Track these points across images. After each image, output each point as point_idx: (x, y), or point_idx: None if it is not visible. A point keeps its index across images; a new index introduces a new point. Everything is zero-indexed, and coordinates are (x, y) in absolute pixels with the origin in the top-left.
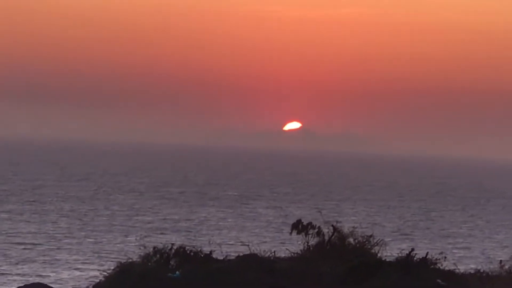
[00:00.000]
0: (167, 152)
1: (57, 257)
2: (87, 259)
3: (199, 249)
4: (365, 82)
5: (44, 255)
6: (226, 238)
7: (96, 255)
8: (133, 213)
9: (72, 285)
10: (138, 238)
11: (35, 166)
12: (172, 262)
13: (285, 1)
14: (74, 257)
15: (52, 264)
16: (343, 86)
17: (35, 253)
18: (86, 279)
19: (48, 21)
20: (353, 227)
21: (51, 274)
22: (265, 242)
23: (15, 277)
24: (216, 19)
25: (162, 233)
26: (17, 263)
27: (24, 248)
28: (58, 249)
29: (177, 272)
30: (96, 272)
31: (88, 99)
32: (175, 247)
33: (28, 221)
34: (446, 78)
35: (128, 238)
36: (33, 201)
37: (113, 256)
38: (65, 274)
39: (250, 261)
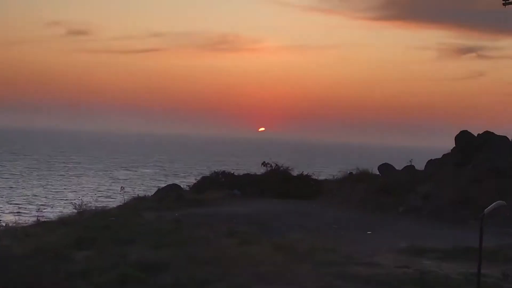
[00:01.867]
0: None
1: (178, 174)
2: (188, 175)
3: (229, 171)
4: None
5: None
6: (238, 168)
7: (192, 174)
8: (201, 160)
9: (186, 184)
10: (208, 167)
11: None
12: (220, 176)
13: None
14: (183, 174)
15: (174, 177)
16: (294, 103)
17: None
18: (191, 183)
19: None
20: (282, 164)
21: (175, 181)
22: (253, 170)
23: (162, 183)
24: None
25: (215, 167)
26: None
27: (165, 172)
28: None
29: (222, 179)
30: (193, 180)
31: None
32: (221, 171)
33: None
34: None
35: (204, 168)
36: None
37: (198, 174)
38: (181, 181)
39: (246, 176)
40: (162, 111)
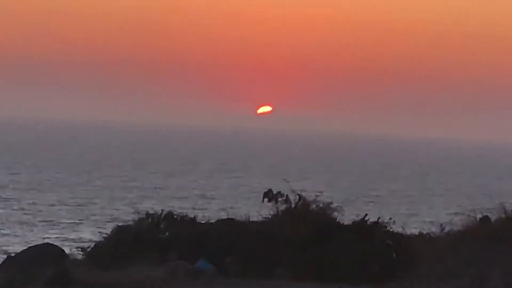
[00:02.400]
0: (143, 131)
1: (54, 220)
2: (82, 223)
3: (185, 214)
4: (332, 69)
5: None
6: (207, 205)
7: (90, 219)
8: (118, 183)
9: (78, 246)
10: (129, 205)
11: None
12: (162, 225)
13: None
14: (68, 221)
15: (49, 227)
16: (312, 73)
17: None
18: (88, 240)
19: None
20: (316, 195)
21: (51, 236)
22: (240, 208)
23: (16, 239)
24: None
25: (148, 201)
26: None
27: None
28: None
29: (166, 234)
30: (92, 235)
31: (78, 80)
32: (164, 213)
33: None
34: (405, 64)
35: (118, 205)
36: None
37: (105, 220)
38: (64, 235)
39: (227, 223)
40: (55, 77)
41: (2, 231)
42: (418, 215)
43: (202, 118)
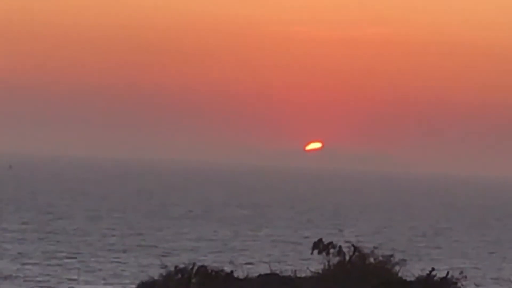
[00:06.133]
0: (183, 169)
1: (73, 277)
2: (106, 280)
3: (220, 269)
4: (388, 101)
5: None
6: (246, 257)
7: (114, 274)
8: (145, 232)
9: None
10: (157, 257)
11: (43, 185)
12: (193, 281)
13: (309, 22)
14: (92, 278)
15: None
16: (366, 105)
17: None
18: None
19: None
20: (374, 246)
21: None
22: (285, 261)
23: None
24: (238, 38)
25: (178, 253)
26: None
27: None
28: (74, 269)
29: None
30: None
31: (96, 114)
32: (196, 267)
33: (40, 238)
34: (469, 95)
35: (145, 258)
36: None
37: (131, 275)
38: None
39: (271, 280)
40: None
41: None
42: (489, 269)
43: (239, 155)
